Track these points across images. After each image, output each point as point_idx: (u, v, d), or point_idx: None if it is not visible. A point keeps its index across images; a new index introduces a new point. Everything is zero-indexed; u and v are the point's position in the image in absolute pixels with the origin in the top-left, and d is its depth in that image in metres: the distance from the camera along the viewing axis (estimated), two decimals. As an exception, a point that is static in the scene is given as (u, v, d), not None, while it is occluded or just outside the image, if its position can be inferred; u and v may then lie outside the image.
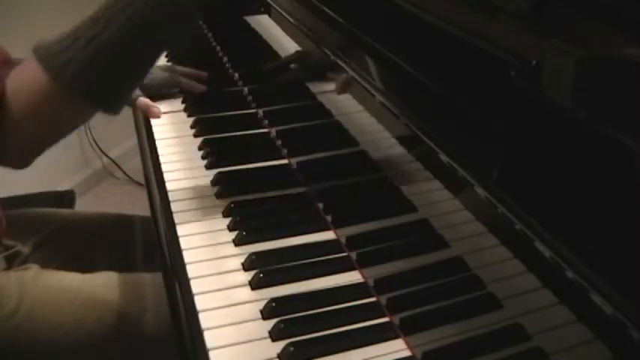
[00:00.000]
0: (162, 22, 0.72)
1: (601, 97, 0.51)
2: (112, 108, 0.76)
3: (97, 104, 0.75)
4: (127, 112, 1.17)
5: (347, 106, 0.91)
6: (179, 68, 1.18)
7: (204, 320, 0.66)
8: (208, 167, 0.93)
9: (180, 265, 0.73)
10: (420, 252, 0.69)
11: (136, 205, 1.02)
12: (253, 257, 0.73)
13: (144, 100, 1.08)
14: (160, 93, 1.12)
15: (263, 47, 1.25)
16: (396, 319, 0.65)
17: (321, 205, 0.82)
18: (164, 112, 1.09)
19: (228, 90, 1.17)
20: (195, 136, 1.02)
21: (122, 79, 0.75)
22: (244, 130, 1.02)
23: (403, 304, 0.67)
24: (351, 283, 0.71)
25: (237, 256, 0.75)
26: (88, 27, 0.72)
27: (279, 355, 0.62)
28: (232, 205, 0.82)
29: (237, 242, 0.77)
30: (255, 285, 0.70)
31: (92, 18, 0.72)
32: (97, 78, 0.71)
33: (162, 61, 1.29)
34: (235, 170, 0.91)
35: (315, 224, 0.79)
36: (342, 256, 0.74)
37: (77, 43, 0.71)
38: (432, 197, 0.70)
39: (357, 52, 0.81)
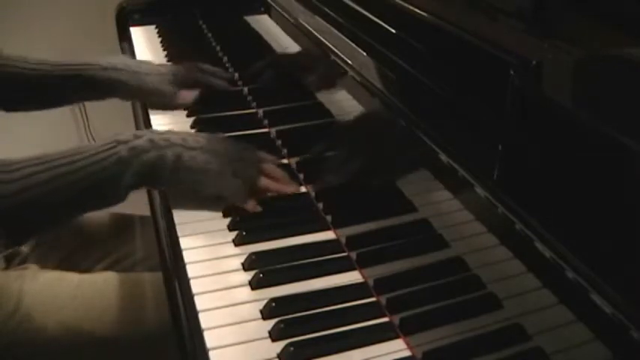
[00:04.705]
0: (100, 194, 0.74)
1: (601, 97, 0.51)
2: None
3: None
4: (127, 111, 1.17)
5: (347, 106, 0.91)
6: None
7: (204, 320, 0.66)
8: (208, 167, 0.92)
9: (181, 265, 0.73)
10: (420, 252, 0.69)
11: (136, 205, 1.02)
12: (253, 257, 0.73)
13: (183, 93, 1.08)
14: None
15: (263, 47, 1.25)
16: (396, 319, 0.65)
17: (321, 205, 0.82)
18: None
19: (228, 90, 1.17)
20: (195, 136, 1.01)
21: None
22: (244, 130, 1.02)
23: (403, 304, 0.67)
24: (351, 283, 0.71)
25: (237, 256, 0.75)
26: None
27: (279, 355, 0.62)
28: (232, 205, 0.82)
29: (237, 242, 0.77)
30: (255, 285, 0.70)
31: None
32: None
33: (163, 61, 1.29)
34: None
35: (315, 224, 0.79)
36: (342, 256, 0.74)
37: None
38: (432, 197, 0.70)
39: (357, 52, 0.81)
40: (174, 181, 0.77)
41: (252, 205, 0.81)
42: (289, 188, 0.84)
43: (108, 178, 0.73)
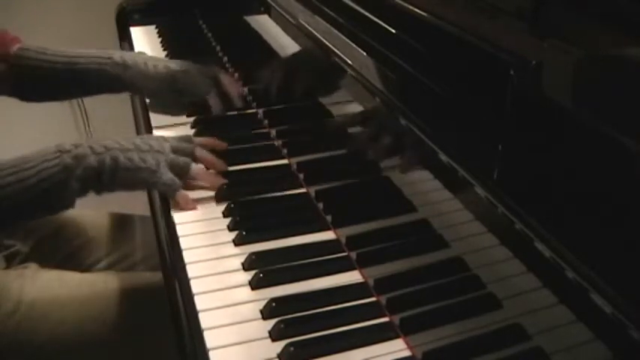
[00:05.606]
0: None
1: (601, 97, 0.51)
2: None
3: None
4: (127, 113, 1.17)
5: (347, 107, 0.91)
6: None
7: (204, 320, 0.66)
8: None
9: (180, 265, 0.73)
10: (420, 252, 0.69)
11: (136, 205, 1.02)
12: (253, 257, 0.73)
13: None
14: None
15: (263, 47, 1.25)
16: (396, 319, 0.65)
17: (321, 205, 0.82)
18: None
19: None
20: (194, 136, 1.01)
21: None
22: (244, 130, 1.02)
23: (403, 304, 0.67)
24: (351, 283, 0.71)
25: (237, 256, 0.75)
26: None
27: (279, 355, 0.62)
28: (232, 205, 0.82)
29: (237, 242, 0.77)
30: (255, 285, 0.70)
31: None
32: None
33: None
34: (235, 170, 0.91)
35: (315, 224, 0.79)
36: (342, 256, 0.74)
37: None
38: (432, 197, 0.70)
39: (357, 52, 0.81)
40: (116, 183, 0.81)
41: (188, 202, 0.83)
42: (218, 179, 0.86)
43: (55, 185, 0.78)
